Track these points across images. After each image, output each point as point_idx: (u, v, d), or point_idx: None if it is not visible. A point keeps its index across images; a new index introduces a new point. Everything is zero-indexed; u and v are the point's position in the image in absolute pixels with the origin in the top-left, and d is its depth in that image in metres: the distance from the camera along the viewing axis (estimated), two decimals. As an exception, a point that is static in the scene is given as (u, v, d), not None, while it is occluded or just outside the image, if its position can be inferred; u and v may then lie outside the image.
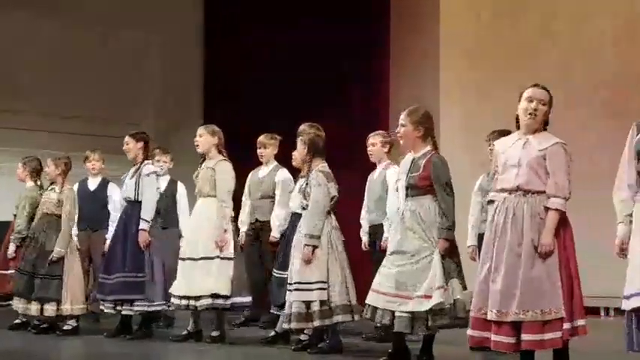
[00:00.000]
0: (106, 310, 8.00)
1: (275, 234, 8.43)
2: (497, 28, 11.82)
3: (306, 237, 6.76)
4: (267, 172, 8.72)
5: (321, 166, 6.95)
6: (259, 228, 8.66)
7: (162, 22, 13.64)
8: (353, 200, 7.95)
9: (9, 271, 8.85)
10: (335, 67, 12.10)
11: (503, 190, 5.34)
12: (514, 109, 5.44)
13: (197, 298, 7.48)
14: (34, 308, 8.17)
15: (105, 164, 9.32)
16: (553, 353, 5.28)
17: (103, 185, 9.19)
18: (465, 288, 5.95)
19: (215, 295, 7.47)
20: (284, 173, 8.59)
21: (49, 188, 8.45)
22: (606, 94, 10.67)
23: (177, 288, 7.60)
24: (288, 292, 6.86)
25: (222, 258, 7.55)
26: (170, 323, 8.81)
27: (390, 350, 6.18)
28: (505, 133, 7.00)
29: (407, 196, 6.08)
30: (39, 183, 8.95)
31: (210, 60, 14.12)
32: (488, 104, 11.15)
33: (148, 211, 7.86)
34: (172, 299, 7.64)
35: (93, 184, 9.09)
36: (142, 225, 7.84)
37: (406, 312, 5.89)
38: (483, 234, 6.94)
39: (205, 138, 7.75)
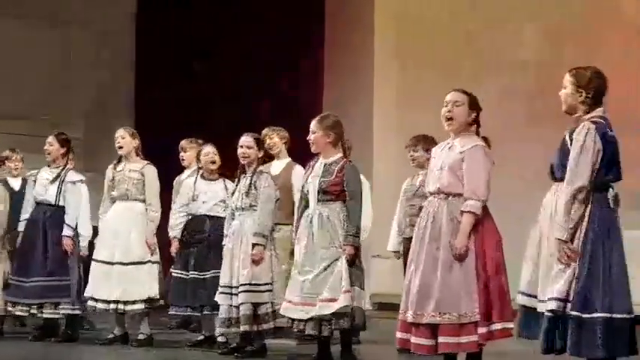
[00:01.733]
0: (16, 313, 7.92)
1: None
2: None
3: (257, 236, 6.70)
4: (188, 174, 8.59)
5: (264, 166, 7.02)
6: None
7: (93, 18, 13.48)
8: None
9: None
10: (270, 66, 12.12)
11: (429, 194, 5.41)
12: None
13: (130, 302, 7.46)
14: None
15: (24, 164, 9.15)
16: (466, 357, 5.32)
17: (25, 186, 9.00)
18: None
19: (149, 300, 7.48)
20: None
21: None
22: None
23: (101, 291, 7.53)
24: (223, 295, 6.80)
25: (152, 262, 7.56)
26: (92, 327, 8.70)
27: (314, 355, 6.25)
28: (427, 138, 7.11)
29: (318, 201, 6.15)
30: None
31: (141, 55, 13.97)
32: (421, 110, 11.22)
33: (73, 219, 7.88)
34: (96, 303, 7.56)
35: (15, 184, 8.92)
36: (68, 232, 7.84)
37: (311, 318, 6.02)
38: (408, 239, 7.13)
39: (128, 140, 7.72)
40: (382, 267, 9.98)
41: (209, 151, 7.53)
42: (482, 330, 5.15)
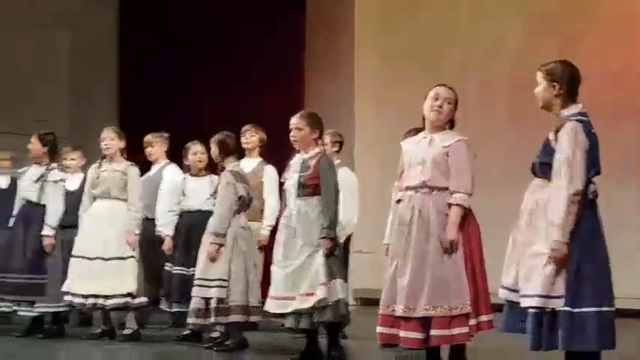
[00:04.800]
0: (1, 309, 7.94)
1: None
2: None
3: (212, 235, 6.85)
4: (157, 169, 8.62)
5: (232, 165, 7.04)
6: (150, 225, 8.33)
7: (76, 16, 13.47)
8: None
9: None
10: (253, 66, 12.16)
11: (408, 188, 5.42)
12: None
13: (108, 297, 7.49)
14: None
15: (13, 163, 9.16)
16: (450, 350, 5.38)
17: (13, 184, 9.00)
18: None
19: (128, 294, 7.51)
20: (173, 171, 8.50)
21: None
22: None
23: (80, 286, 7.55)
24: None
25: (133, 258, 7.61)
26: (89, 322, 8.70)
27: (302, 349, 6.28)
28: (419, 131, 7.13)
29: (297, 195, 6.21)
30: None
31: (124, 54, 13.98)
32: (395, 104, 11.29)
33: (53, 218, 7.92)
34: (73, 298, 7.59)
35: (3, 182, 8.93)
36: (47, 231, 7.89)
37: (292, 311, 6.06)
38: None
39: (115, 141, 7.76)
40: (363, 262, 10.05)
41: (197, 150, 7.80)
42: (472, 322, 5.23)
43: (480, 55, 11.29)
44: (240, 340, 6.92)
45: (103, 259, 7.54)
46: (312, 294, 5.99)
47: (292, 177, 6.25)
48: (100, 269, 7.52)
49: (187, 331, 7.55)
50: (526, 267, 4.72)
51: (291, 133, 6.33)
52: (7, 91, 12.76)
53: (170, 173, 8.34)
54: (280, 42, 12.12)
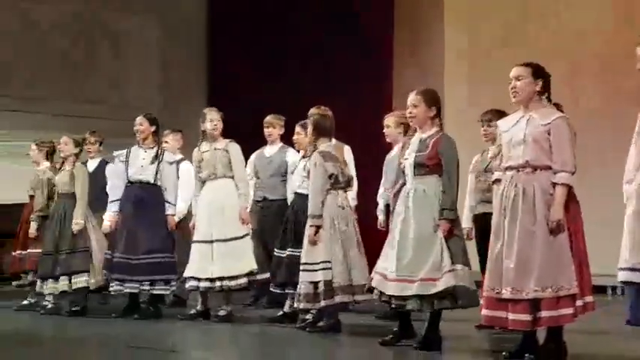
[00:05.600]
0: (126, 291, 8.02)
1: None
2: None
3: (309, 217, 6.87)
4: (275, 151, 8.74)
5: (323, 146, 7.03)
6: (267, 206, 8.69)
7: (164, 2, 13.68)
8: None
9: (28, 251, 8.90)
10: (341, 47, 12.15)
11: (510, 168, 5.37)
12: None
13: (232, 278, 7.62)
14: (61, 285, 8.23)
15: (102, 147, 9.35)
16: (547, 331, 5.33)
17: (102, 167, 9.19)
18: (470, 268, 5.93)
19: (250, 273, 7.66)
20: (295, 153, 8.58)
21: (60, 169, 8.52)
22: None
23: (204, 271, 7.67)
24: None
25: (248, 236, 7.76)
26: (183, 305, 8.85)
27: (394, 329, 6.22)
28: (500, 112, 7.05)
29: (414, 175, 6.06)
30: (53, 164, 8.98)
31: (213, 38, 14.11)
32: (489, 85, 11.19)
33: (174, 197, 8.14)
34: (199, 282, 7.70)
35: (92, 165, 9.12)
36: (170, 210, 8.10)
37: (411, 295, 5.88)
38: (479, 215, 7.10)
39: (221, 122, 7.88)
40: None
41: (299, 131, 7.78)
42: (579, 302, 5.18)
43: (569, 39, 11.11)
44: (333, 322, 6.92)
45: (221, 240, 7.67)
46: (434, 280, 5.81)
47: (410, 156, 6.13)
48: (221, 251, 7.64)
49: (281, 312, 7.63)
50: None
51: (408, 110, 6.18)
52: (96, 76, 13.04)
53: (295, 155, 8.33)
54: (368, 29, 12.07)
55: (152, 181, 8.08)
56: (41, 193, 8.80)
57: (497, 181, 5.47)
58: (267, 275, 7.78)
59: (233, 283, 7.63)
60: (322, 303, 6.78)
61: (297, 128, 7.77)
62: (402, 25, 12.25)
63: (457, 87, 11.91)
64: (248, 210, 7.88)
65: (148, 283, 7.94)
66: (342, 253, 6.80)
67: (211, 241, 7.69)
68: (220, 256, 7.64)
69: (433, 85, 11.67)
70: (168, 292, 8.19)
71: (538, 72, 5.41)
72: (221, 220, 7.70)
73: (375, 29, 12.09)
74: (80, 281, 8.24)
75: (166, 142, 8.77)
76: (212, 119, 7.86)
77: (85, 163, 9.07)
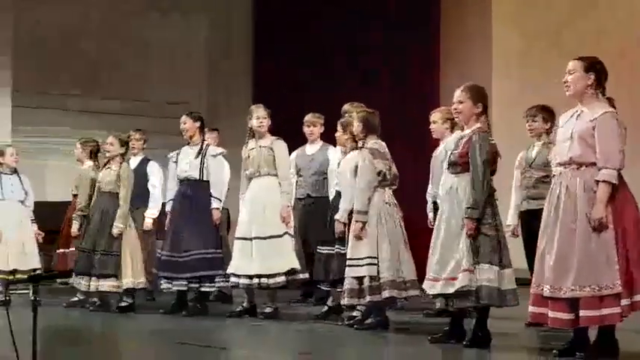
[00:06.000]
0: (174, 288, 8.09)
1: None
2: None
3: (355, 213, 6.85)
4: (317, 149, 8.74)
5: (371, 142, 7.00)
6: (310, 204, 8.69)
7: (211, 1, 13.76)
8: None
9: (70, 249, 9.01)
10: (386, 44, 12.09)
11: (558, 165, 5.32)
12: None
13: (271, 276, 7.60)
14: (93, 285, 8.30)
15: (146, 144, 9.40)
16: (598, 331, 5.25)
17: (144, 164, 9.25)
18: (503, 267, 5.84)
19: (290, 272, 7.62)
20: (336, 151, 8.55)
21: (106, 167, 8.57)
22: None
23: (245, 267, 7.68)
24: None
25: (288, 234, 7.71)
26: (228, 300, 8.89)
27: (445, 328, 6.19)
28: (545, 108, 6.98)
29: (449, 173, 6.05)
30: (96, 163, 9.06)
31: (258, 37, 14.13)
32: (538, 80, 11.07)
33: (220, 191, 8.16)
34: (239, 279, 7.72)
35: (133, 162, 9.17)
36: (216, 204, 8.11)
37: (437, 294, 5.95)
38: (524, 212, 7.01)
39: (268, 119, 7.87)
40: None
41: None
42: (625, 302, 5.08)
43: (616, 28, 10.95)
44: (381, 319, 6.90)
45: (260, 238, 7.66)
46: (454, 279, 5.82)
47: (447, 154, 6.12)
48: (260, 249, 7.64)
49: (325, 308, 7.62)
50: None
51: (453, 107, 6.13)
52: (143, 75, 13.13)
53: (336, 153, 8.26)
54: (414, 26, 12.00)
55: (198, 177, 8.12)
56: (84, 192, 8.86)
57: (554, 176, 5.41)
58: (307, 274, 7.75)
59: (272, 281, 7.62)
60: (367, 298, 6.76)
61: (339, 126, 7.72)
62: (448, 20, 12.15)
63: (505, 83, 11.79)
64: (290, 209, 7.84)
65: (197, 280, 7.98)
66: (390, 249, 6.77)
67: (251, 239, 7.69)
68: (260, 253, 7.63)
69: (480, 81, 11.75)
70: (214, 289, 8.20)
71: (590, 66, 5.32)
72: (262, 218, 7.69)
73: (421, 24, 12.01)
74: (106, 285, 8.27)
75: (207, 139, 8.79)
76: (258, 116, 7.86)
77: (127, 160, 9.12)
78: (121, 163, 8.48)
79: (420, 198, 7.91)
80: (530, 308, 5.33)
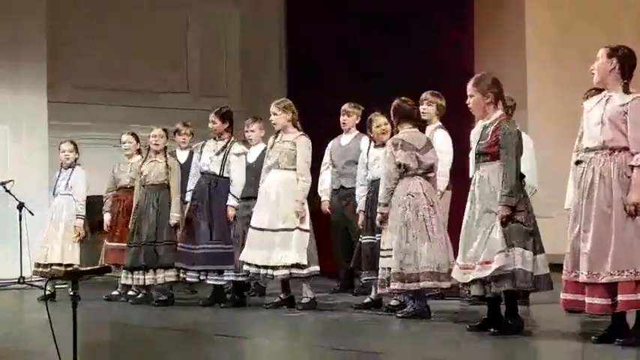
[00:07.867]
0: (188, 279, 8.21)
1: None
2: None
3: (378, 205, 6.94)
4: (351, 139, 8.73)
5: (402, 131, 7.04)
6: (345, 195, 8.70)
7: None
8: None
9: (112, 243, 9.02)
10: (418, 36, 12.03)
11: (589, 150, 5.30)
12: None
13: (274, 268, 7.62)
14: (155, 277, 8.33)
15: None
16: (637, 315, 5.22)
17: (192, 157, 9.21)
18: (536, 253, 5.87)
19: (295, 266, 7.61)
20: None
21: (150, 160, 8.61)
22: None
23: (252, 256, 7.73)
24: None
25: (300, 229, 7.68)
26: (262, 292, 8.92)
27: (484, 316, 6.20)
28: (600, 90, 6.90)
29: (478, 162, 6.06)
30: (143, 156, 9.06)
31: (292, 29, 14.11)
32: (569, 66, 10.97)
33: (237, 189, 8.16)
34: (249, 267, 7.75)
35: (182, 156, 9.19)
36: (232, 201, 8.13)
37: (473, 280, 5.94)
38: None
39: (280, 115, 7.85)
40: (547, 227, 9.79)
41: (380, 122, 7.61)
42: None
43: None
44: (423, 308, 6.91)
45: (270, 230, 7.68)
46: (489, 263, 5.84)
47: (474, 145, 6.11)
48: (269, 241, 7.67)
49: (367, 299, 7.62)
50: None
51: (467, 101, 6.19)
52: (177, 67, 13.19)
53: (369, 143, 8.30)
54: (447, 10, 11.92)
55: (219, 173, 8.18)
56: (138, 185, 8.82)
57: (579, 162, 5.37)
58: (317, 268, 7.68)
59: (276, 272, 7.64)
60: (396, 286, 6.77)
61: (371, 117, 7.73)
62: (482, 7, 12.06)
63: (540, 66, 11.70)
64: (305, 205, 7.77)
65: (206, 273, 8.07)
66: (398, 241, 6.78)
67: (262, 229, 7.71)
68: (267, 245, 7.65)
69: (515, 65, 11.67)
70: (224, 283, 8.18)
71: (613, 52, 5.32)
72: (274, 211, 7.70)
73: (454, 12, 11.92)
74: (170, 275, 8.31)
75: (252, 130, 8.76)
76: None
77: (173, 154, 9.12)
78: (166, 155, 8.55)
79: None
80: (563, 295, 5.32)
